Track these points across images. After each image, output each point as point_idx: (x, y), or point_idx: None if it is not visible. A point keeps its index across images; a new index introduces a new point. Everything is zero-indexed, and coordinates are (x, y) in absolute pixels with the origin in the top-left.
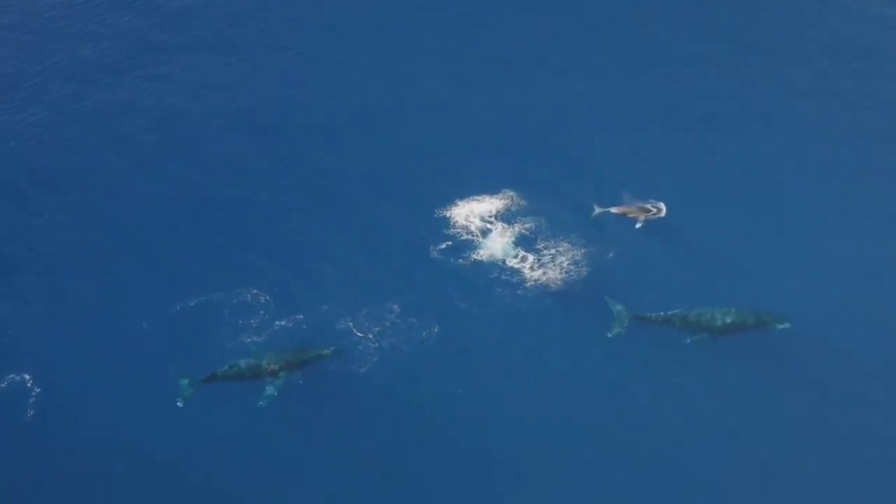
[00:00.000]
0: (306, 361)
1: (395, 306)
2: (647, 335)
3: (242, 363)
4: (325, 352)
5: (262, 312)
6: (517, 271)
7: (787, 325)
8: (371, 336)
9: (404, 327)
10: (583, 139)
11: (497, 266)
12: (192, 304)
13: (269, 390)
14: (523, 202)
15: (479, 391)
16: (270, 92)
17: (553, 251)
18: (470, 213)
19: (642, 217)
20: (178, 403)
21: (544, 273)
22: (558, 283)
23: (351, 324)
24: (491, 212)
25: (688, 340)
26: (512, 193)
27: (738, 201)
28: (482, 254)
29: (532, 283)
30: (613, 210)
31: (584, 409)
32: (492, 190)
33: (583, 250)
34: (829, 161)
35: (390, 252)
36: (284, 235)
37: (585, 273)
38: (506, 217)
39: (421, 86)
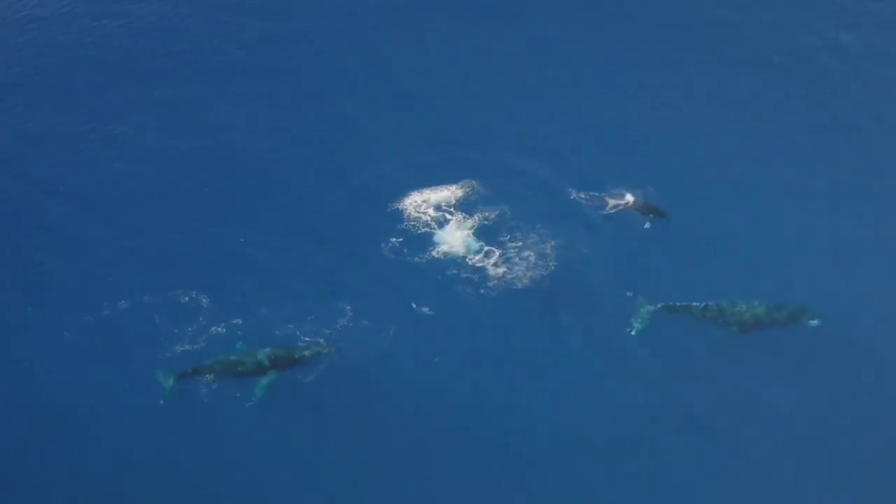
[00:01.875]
0: (300, 359)
1: (347, 308)
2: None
3: (231, 357)
4: (324, 350)
5: (199, 317)
6: (479, 268)
7: (817, 322)
8: (320, 341)
9: (356, 331)
10: (551, 124)
11: (457, 262)
12: (122, 307)
13: (258, 388)
14: (484, 191)
15: (439, 400)
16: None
17: (518, 244)
18: (426, 203)
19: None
20: (161, 401)
21: (509, 269)
22: (525, 280)
23: (296, 328)
24: (449, 201)
25: (717, 333)
26: (472, 182)
27: (720, 189)
28: (441, 249)
29: (496, 280)
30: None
31: (559, 413)
32: (449, 179)
33: (551, 243)
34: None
35: (340, 248)
36: (223, 231)
37: (554, 268)
38: (465, 207)
39: (374, 71)
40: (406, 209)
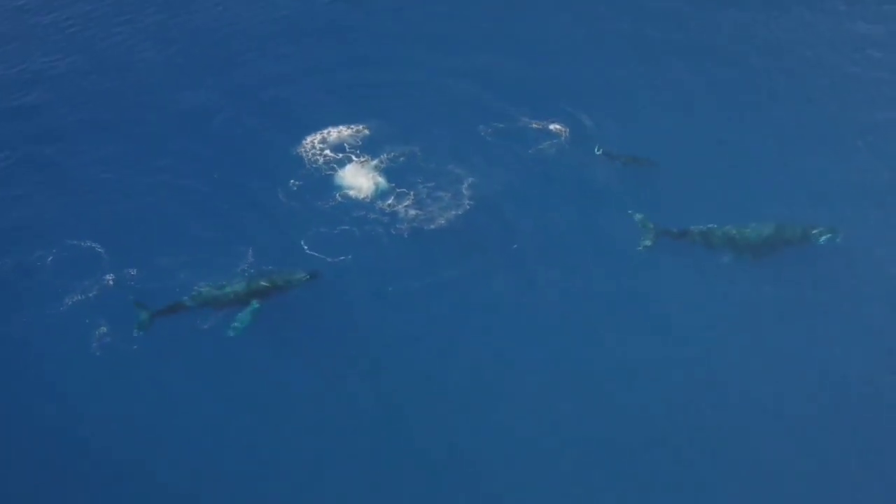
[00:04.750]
0: (280, 287)
1: (249, 255)
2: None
3: (206, 290)
4: (300, 276)
5: (93, 268)
6: (389, 210)
7: (831, 237)
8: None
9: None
10: (465, 52)
11: (366, 205)
12: (6, 263)
13: (240, 318)
14: (392, 129)
15: (348, 351)
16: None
17: (431, 184)
18: (329, 143)
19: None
20: (135, 333)
21: (422, 211)
22: (441, 222)
23: (193, 274)
24: (356, 140)
25: (725, 259)
26: (377, 121)
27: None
28: (349, 192)
29: (408, 224)
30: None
31: (477, 370)
32: (354, 118)
33: (469, 180)
34: None
35: (239, 195)
36: (116, 179)
37: (469, 207)
38: (370, 148)
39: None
40: (309, 152)
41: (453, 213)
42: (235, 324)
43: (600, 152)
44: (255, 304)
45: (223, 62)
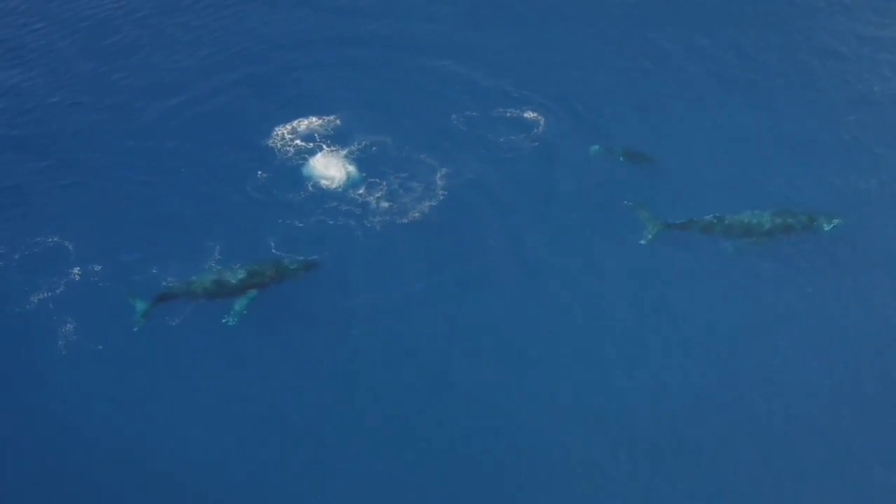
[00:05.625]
0: (279, 276)
1: (215, 251)
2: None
3: (205, 279)
4: (297, 266)
5: (60, 265)
6: (361, 201)
7: (837, 223)
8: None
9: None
10: (439, 38)
11: (336, 195)
12: None
13: (238, 307)
14: (364, 119)
15: (318, 348)
16: None
17: (404, 175)
18: (300, 133)
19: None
20: (134, 329)
21: (395, 203)
22: (415, 215)
23: (160, 271)
24: (327, 129)
25: (729, 249)
26: (349, 111)
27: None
28: (321, 182)
29: (380, 217)
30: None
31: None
32: (325, 107)
33: (443, 170)
34: None
35: (207, 189)
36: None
37: (443, 197)
38: (341, 138)
39: None
40: (279, 143)
41: (427, 203)
42: (234, 311)
43: (598, 149)
44: (251, 293)
45: (187, 50)
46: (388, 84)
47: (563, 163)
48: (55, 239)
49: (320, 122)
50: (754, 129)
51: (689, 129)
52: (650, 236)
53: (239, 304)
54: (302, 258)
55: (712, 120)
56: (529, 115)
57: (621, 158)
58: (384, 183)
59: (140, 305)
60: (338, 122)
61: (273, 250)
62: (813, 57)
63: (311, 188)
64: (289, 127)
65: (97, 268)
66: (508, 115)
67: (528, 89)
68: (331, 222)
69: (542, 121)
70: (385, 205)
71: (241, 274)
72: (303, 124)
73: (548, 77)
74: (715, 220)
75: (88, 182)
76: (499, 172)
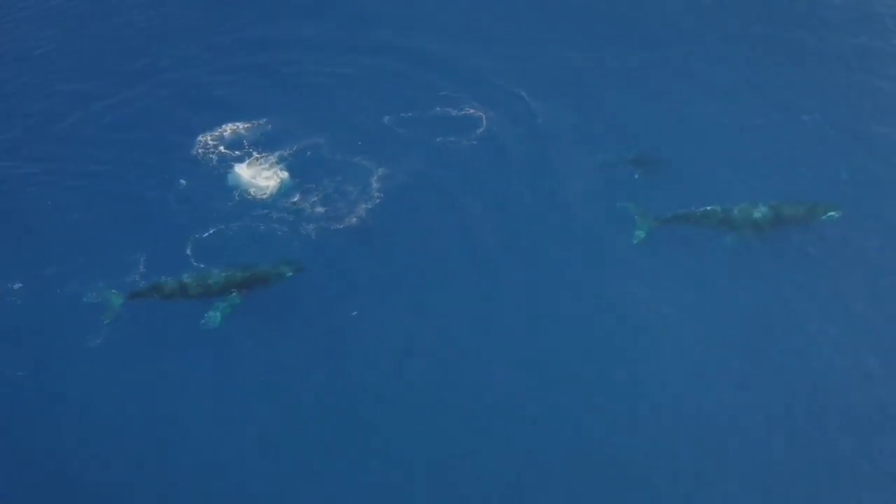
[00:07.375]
0: (260, 279)
1: (140, 265)
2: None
3: (185, 278)
4: (283, 270)
5: None
6: (294, 209)
7: (835, 213)
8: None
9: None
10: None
11: (268, 203)
12: None
13: (215, 310)
14: (295, 122)
15: (250, 362)
16: None
17: (338, 178)
18: (225, 140)
19: None
20: (105, 321)
21: (329, 207)
22: (352, 220)
23: (81, 285)
24: (255, 135)
25: (727, 240)
26: (278, 114)
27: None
28: (250, 190)
29: (315, 223)
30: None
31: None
32: (252, 111)
33: (379, 172)
34: None
35: (128, 199)
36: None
37: (380, 201)
38: (271, 143)
39: None
40: (203, 151)
41: (363, 206)
42: (212, 313)
43: (600, 159)
44: (233, 296)
45: (109, 52)
46: (318, 86)
47: (508, 160)
48: None
49: (248, 126)
50: (750, 119)
51: (688, 122)
52: (642, 234)
53: (216, 308)
54: (290, 263)
55: (708, 113)
56: (470, 111)
57: (629, 165)
58: (318, 188)
59: (115, 300)
60: (268, 126)
61: (193, 262)
62: (811, 45)
63: (237, 197)
64: (214, 133)
65: (17, 285)
66: (449, 112)
67: (468, 87)
68: (262, 227)
69: (483, 117)
70: (320, 210)
71: (222, 277)
72: (228, 130)
73: (487, 74)
74: (712, 211)
75: (2, 192)
76: (438, 172)
